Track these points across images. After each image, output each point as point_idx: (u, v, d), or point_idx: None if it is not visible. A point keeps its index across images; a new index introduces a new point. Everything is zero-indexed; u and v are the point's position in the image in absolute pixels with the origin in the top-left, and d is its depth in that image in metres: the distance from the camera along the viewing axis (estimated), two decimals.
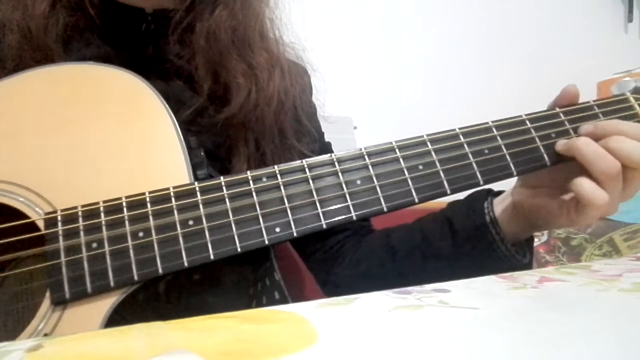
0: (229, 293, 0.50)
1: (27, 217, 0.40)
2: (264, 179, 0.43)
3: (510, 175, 0.46)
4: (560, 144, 0.47)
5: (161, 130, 0.44)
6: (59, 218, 0.40)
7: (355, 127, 1.16)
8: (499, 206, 0.53)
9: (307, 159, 0.44)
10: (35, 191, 0.41)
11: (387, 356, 0.22)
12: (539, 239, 1.10)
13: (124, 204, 0.40)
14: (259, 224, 0.41)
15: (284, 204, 0.42)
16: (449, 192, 0.45)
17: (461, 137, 0.46)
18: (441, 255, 0.55)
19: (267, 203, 0.42)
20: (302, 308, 0.30)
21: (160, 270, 0.39)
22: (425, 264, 0.56)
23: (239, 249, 0.40)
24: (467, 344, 0.23)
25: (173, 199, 0.41)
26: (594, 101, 0.50)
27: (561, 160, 0.47)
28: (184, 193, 0.41)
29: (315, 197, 0.43)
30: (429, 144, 0.46)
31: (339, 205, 0.43)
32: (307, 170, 0.44)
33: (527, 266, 0.53)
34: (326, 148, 0.69)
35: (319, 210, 0.42)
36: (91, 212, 0.40)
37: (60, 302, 0.38)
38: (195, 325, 0.28)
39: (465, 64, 1.46)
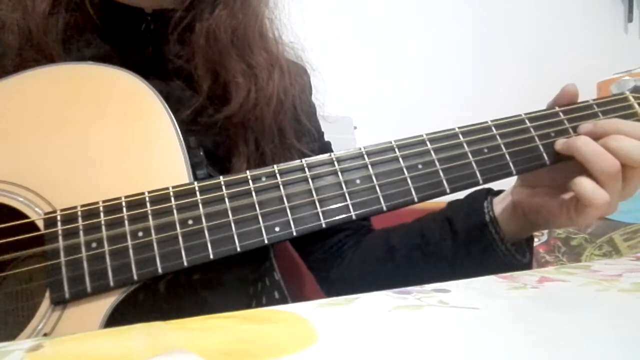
0: (228, 293, 0.50)
1: (26, 217, 0.40)
2: (263, 179, 0.43)
3: (510, 175, 0.46)
4: (560, 143, 0.47)
5: (161, 130, 0.44)
6: (59, 218, 0.40)
7: (355, 127, 1.16)
8: (499, 206, 0.53)
9: (306, 159, 0.44)
10: (35, 191, 0.41)
11: (387, 356, 0.22)
12: (539, 239, 1.10)
13: (124, 203, 0.40)
14: (259, 223, 0.41)
15: (284, 203, 0.42)
16: (448, 191, 0.45)
17: (460, 136, 0.46)
18: (441, 254, 0.55)
19: (266, 202, 0.42)
20: (302, 308, 0.30)
21: (159, 270, 0.39)
22: (425, 263, 0.56)
23: (238, 249, 0.40)
24: (467, 344, 0.23)
25: (172, 199, 0.41)
26: (593, 100, 0.50)
27: (561, 160, 0.47)
28: (183, 193, 0.41)
29: (315, 197, 0.43)
30: (428, 143, 0.46)
31: (338, 205, 0.43)
32: (306, 169, 0.44)
33: (527, 266, 0.53)
34: (326, 147, 0.69)
35: (319, 209, 0.42)
36: (91, 212, 0.40)
37: (59, 302, 0.38)
38: (195, 325, 0.28)
39: (465, 64, 1.46)
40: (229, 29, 0.56)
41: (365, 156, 0.45)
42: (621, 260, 0.47)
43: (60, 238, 0.39)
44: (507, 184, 0.51)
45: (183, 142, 0.44)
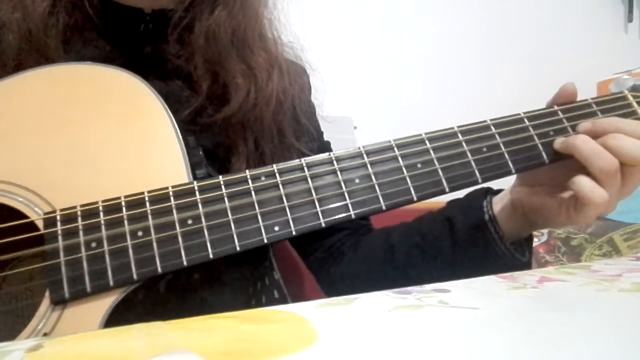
0: (228, 292, 0.50)
1: (26, 217, 0.40)
2: (263, 178, 0.43)
3: (509, 173, 0.46)
4: (559, 142, 0.47)
5: (160, 130, 0.44)
6: (58, 218, 0.40)
7: (355, 127, 1.16)
8: (498, 205, 0.53)
9: (305, 158, 0.44)
10: (35, 191, 0.41)
11: (387, 356, 0.22)
12: (539, 239, 1.10)
13: (123, 203, 0.40)
14: (258, 222, 0.41)
15: (283, 202, 0.42)
16: (447, 190, 0.45)
17: (459, 135, 0.46)
18: (440, 253, 0.55)
19: (265, 202, 0.42)
20: (302, 308, 0.30)
21: (159, 270, 0.39)
22: (424, 262, 0.56)
23: (237, 248, 0.40)
24: (467, 344, 0.23)
25: (172, 198, 0.41)
26: (592, 99, 0.50)
27: (559, 158, 0.47)
28: (182, 192, 0.41)
29: (314, 196, 0.43)
30: (427, 142, 0.46)
31: (337, 204, 0.43)
32: (305, 169, 0.44)
33: (527, 265, 0.53)
34: (325, 147, 0.69)
35: (318, 208, 0.42)
36: (90, 212, 0.40)
37: (59, 302, 0.38)
38: (195, 325, 0.28)
39: (465, 64, 1.46)
40: (228, 30, 0.56)
41: (365, 155, 0.45)
42: (621, 260, 0.47)
43: (59, 238, 0.39)
44: (506, 183, 0.51)
45: (182, 141, 0.44)
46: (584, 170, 0.44)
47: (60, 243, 0.39)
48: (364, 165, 0.44)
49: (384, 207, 0.43)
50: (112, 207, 0.40)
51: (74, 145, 0.43)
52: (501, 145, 0.46)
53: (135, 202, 0.41)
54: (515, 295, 0.33)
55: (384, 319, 0.28)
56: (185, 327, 0.27)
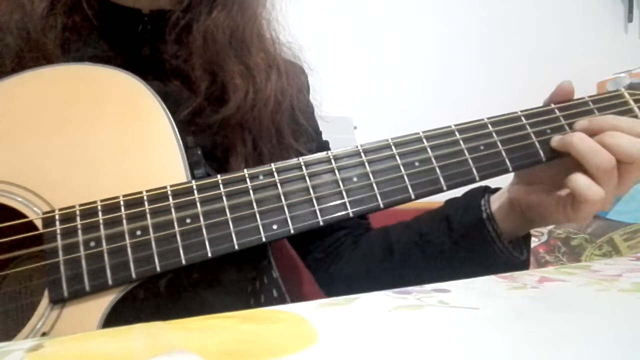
0: (227, 291, 0.50)
1: (25, 217, 0.40)
2: (261, 177, 0.43)
3: (506, 171, 0.46)
4: (556, 140, 0.47)
5: (159, 130, 0.44)
6: (57, 217, 0.39)
7: (355, 127, 1.15)
8: (496, 203, 0.53)
9: (303, 157, 0.44)
10: (34, 191, 0.41)
11: (387, 356, 0.22)
12: (539, 239, 1.10)
13: (122, 202, 0.40)
14: (256, 221, 0.41)
15: (281, 201, 0.42)
16: (445, 188, 0.45)
17: (457, 133, 0.46)
18: (439, 252, 0.55)
19: (264, 201, 0.42)
20: (302, 308, 0.30)
21: (158, 269, 0.39)
22: (423, 261, 0.56)
23: (236, 247, 0.40)
24: (467, 344, 0.23)
25: (170, 198, 0.41)
26: (589, 97, 0.50)
27: (557, 156, 0.47)
28: (181, 191, 0.41)
29: (312, 194, 0.43)
30: (424, 140, 0.46)
31: (335, 202, 0.43)
32: (303, 167, 0.44)
33: (525, 263, 0.53)
34: (323, 147, 0.68)
35: (316, 207, 0.42)
36: (89, 211, 0.40)
37: (58, 301, 0.38)
38: (195, 325, 0.28)
39: (465, 64, 1.46)
40: (227, 30, 0.56)
41: (362, 154, 0.45)
42: (621, 260, 0.47)
43: (58, 237, 0.39)
44: (504, 181, 0.51)
45: (181, 142, 0.44)
46: (580, 168, 0.44)
47: (59, 242, 0.39)
48: (362, 164, 0.44)
49: (381, 205, 0.43)
50: (111, 207, 0.40)
51: (73, 145, 0.43)
52: (498, 143, 0.46)
53: (134, 201, 0.41)
54: (515, 295, 0.33)
55: (384, 319, 0.28)
56: (185, 327, 0.27)
